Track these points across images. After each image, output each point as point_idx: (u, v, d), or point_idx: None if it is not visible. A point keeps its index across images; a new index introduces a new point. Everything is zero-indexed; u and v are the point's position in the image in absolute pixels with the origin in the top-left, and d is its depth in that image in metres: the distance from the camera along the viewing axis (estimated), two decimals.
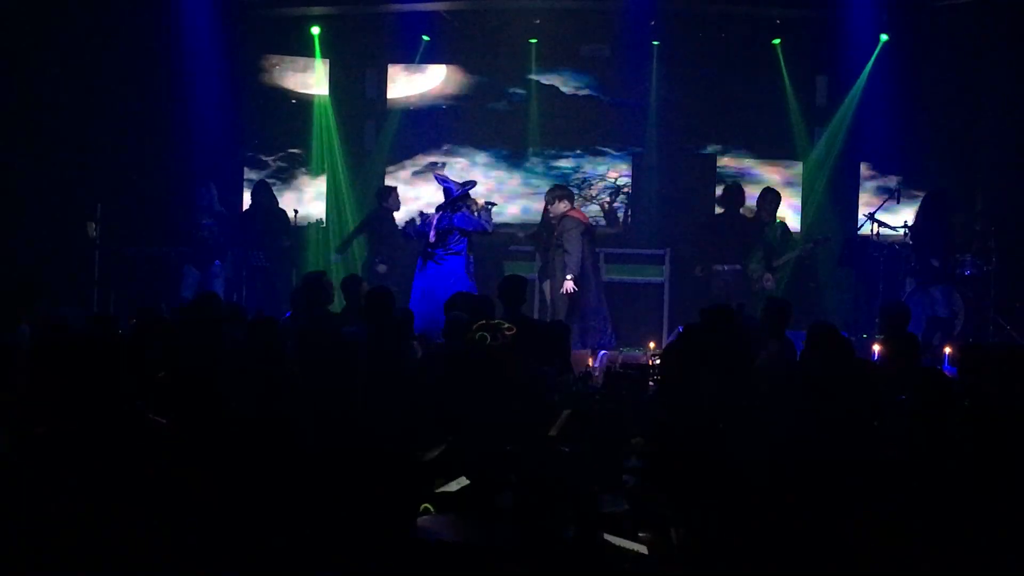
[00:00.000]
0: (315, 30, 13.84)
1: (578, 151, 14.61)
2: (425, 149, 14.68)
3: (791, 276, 12.10)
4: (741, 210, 12.61)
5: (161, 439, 4.43)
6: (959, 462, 4.08)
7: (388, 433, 4.58)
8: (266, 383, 5.30)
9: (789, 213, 13.92)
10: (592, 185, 14.58)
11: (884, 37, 13.21)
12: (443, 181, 11.00)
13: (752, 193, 12.93)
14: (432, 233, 10.70)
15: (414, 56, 14.43)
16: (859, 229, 12.91)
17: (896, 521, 3.78)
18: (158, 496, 3.94)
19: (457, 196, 10.76)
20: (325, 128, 14.21)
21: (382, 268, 12.30)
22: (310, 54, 14.27)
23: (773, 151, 14.33)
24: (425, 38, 14.19)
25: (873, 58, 13.23)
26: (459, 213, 10.71)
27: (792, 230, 13.27)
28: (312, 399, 4.83)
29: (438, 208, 10.88)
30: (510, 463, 4.81)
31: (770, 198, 12.40)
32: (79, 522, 3.81)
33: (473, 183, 11.16)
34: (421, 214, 11.19)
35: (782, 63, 13.83)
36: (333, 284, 9.01)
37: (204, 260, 12.12)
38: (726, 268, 11.98)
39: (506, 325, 6.88)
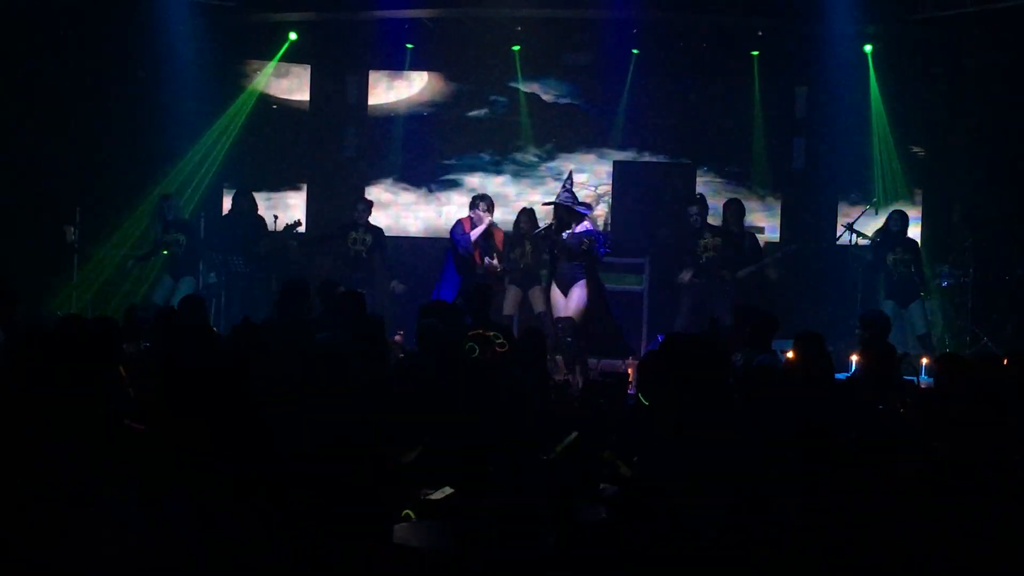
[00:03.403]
0: (292, 35, 13.79)
1: (558, 159, 14.62)
2: (406, 156, 14.67)
3: (765, 286, 12.07)
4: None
5: (138, 444, 4.41)
6: (936, 469, 4.10)
7: (364, 438, 4.57)
8: (248, 388, 5.28)
9: (766, 224, 14.01)
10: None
11: (868, 48, 13.28)
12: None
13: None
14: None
15: (396, 63, 14.44)
16: (838, 239, 12.97)
17: (880, 529, 3.79)
18: (135, 501, 3.92)
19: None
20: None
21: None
22: (292, 59, 14.26)
23: (750, 161, 14.39)
24: (409, 46, 14.19)
25: (872, 69, 13.30)
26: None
27: (766, 240, 13.33)
28: (288, 404, 4.81)
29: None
30: (490, 471, 4.81)
31: (734, 208, 12.40)
32: (55, 525, 3.79)
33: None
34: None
35: (756, 75, 13.90)
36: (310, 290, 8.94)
37: (178, 272, 12.09)
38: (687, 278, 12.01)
39: (499, 341, 6.87)
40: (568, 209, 10.61)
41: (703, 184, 14.21)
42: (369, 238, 12.48)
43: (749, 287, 11.88)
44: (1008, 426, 4.23)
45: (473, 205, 11.59)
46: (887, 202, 13.24)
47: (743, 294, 11.63)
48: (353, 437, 4.49)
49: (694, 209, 12.14)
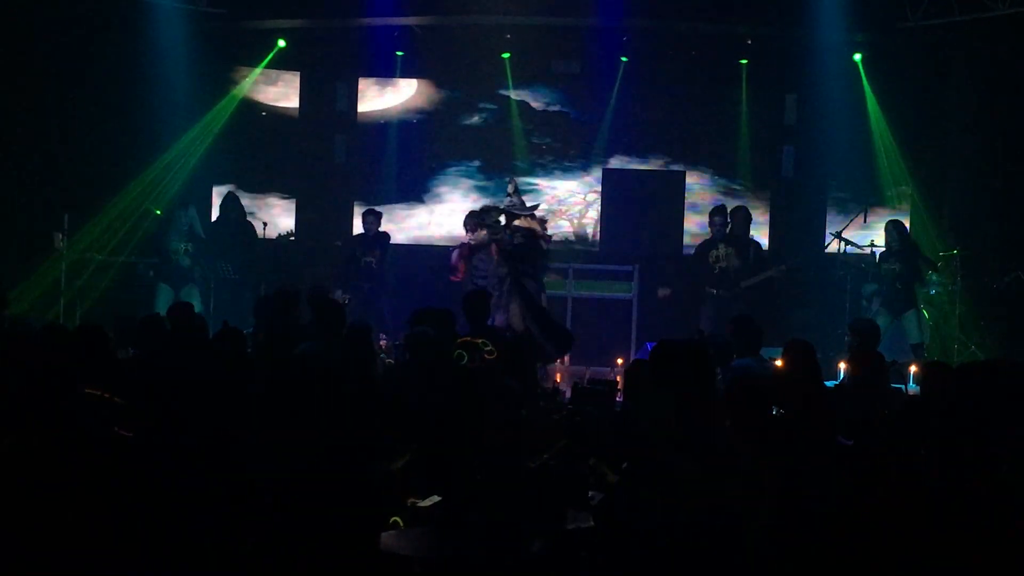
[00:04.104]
0: (280, 42, 13.80)
1: (548, 166, 14.64)
2: (396, 163, 14.67)
3: (759, 296, 12.05)
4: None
5: (126, 451, 4.39)
6: (923, 476, 4.11)
7: (352, 446, 4.56)
8: (232, 395, 5.27)
9: (756, 231, 14.01)
10: (561, 201, 14.61)
11: (858, 57, 13.33)
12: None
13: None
14: None
15: (385, 70, 14.45)
16: (826, 247, 12.97)
17: (866, 535, 3.79)
18: (121, 508, 3.91)
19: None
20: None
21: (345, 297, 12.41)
22: (281, 66, 14.27)
23: (740, 169, 14.42)
24: (399, 53, 14.21)
25: (864, 77, 13.35)
26: None
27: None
28: (274, 411, 4.81)
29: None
30: (479, 478, 4.81)
31: (741, 216, 12.38)
32: (39, 532, 3.78)
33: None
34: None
35: (744, 83, 13.95)
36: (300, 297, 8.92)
37: (178, 281, 12.07)
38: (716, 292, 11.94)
39: (488, 348, 6.87)
40: (508, 213, 10.82)
41: (691, 191, 14.26)
42: (379, 251, 12.49)
43: (755, 296, 11.85)
44: (993, 433, 4.24)
45: (464, 225, 11.89)
46: (898, 204, 13.35)
47: (748, 303, 11.61)
48: (340, 445, 4.49)
49: (718, 219, 12.11)
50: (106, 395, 5.02)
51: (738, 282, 11.84)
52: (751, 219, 12.49)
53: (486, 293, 9.50)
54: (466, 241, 11.63)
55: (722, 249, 11.93)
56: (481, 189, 14.52)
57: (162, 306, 11.65)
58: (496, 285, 10.75)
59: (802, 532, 3.77)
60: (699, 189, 14.42)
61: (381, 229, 12.70)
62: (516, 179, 11.70)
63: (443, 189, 14.65)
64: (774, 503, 3.85)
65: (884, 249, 12.01)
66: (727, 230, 12.09)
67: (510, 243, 10.72)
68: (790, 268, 12.31)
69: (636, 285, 13.00)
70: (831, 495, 3.99)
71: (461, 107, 14.73)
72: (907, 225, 12.87)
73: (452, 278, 11.63)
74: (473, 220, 11.73)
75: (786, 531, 3.77)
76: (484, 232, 11.45)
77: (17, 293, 11.40)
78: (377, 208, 13.10)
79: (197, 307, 11.48)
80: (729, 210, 12.58)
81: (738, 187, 14.38)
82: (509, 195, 11.00)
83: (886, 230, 12.08)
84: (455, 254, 11.69)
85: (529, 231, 10.88)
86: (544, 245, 10.98)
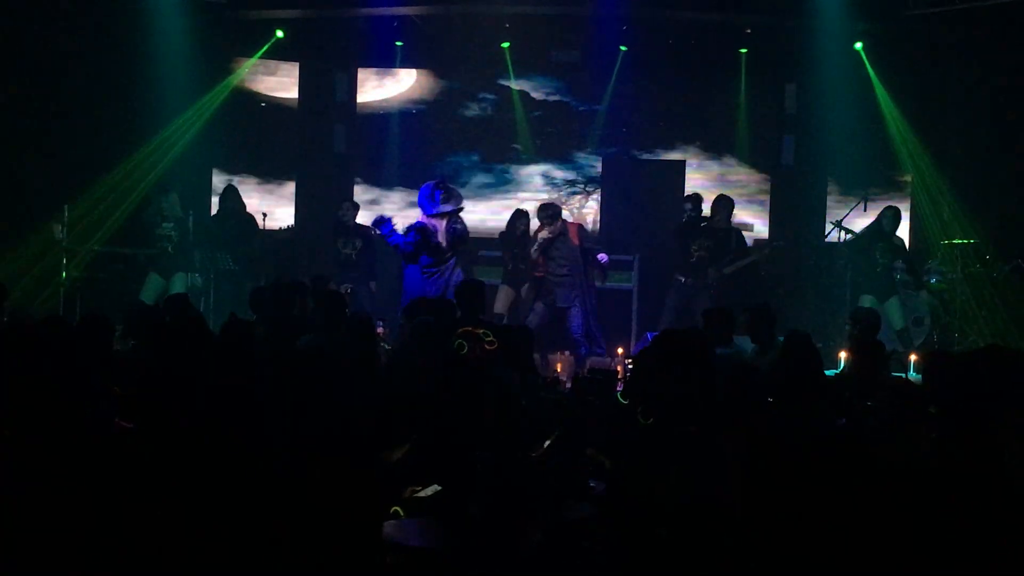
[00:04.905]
0: (279, 33, 13.78)
1: (548, 156, 14.63)
2: (395, 153, 14.65)
3: (755, 283, 12.04)
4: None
5: (128, 444, 4.39)
6: (923, 465, 4.11)
7: (354, 437, 4.56)
8: (236, 387, 5.27)
9: (756, 220, 14.02)
10: (561, 190, 14.61)
11: (859, 45, 13.32)
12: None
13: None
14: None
15: (384, 60, 14.45)
16: (826, 236, 12.98)
17: (866, 524, 3.79)
18: (123, 501, 3.91)
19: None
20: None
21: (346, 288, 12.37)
22: (280, 57, 14.25)
23: (740, 158, 14.41)
24: (398, 43, 14.19)
25: (868, 65, 13.34)
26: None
27: (755, 237, 13.34)
28: (275, 402, 4.81)
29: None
30: (478, 469, 4.81)
31: (723, 204, 12.34)
32: (41, 527, 3.78)
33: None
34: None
35: (743, 72, 13.94)
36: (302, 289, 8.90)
37: (167, 268, 12.03)
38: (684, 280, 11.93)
39: (489, 338, 6.87)
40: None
41: (691, 181, 14.25)
42: (359, 241, 12.43)
43: (733, 283, 11.85)
44: (995, 422, 4.24)
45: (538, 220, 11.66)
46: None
47: (727, 291, 11.60)
48: (341, 435, 4.49)
49: (688, 206, 12.11)
50: (108, 385, 5.02)
51: (709, 272, 11.82)
52: (733, 207, 12.45)
53: (482, 284, 9.46)
54: (545, 235, 11.44)
55: (703, 240, 11.92)
56: (481, 179, 14.51)
57: (149, 295, 11.62)
58: (575, 270, 11.22)
59: (799, 521, 3.77)
60: (698, 178, 14.41)
61: (364, 220, 12.63)
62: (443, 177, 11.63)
63: (443, 178, 14.61)
64: (770, 493, 3.85)
65: (872, 232, 12.07)
66: (700, 216, 12.07)
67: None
68: (773, 250, 12.32)
69: (636, 275, 12.99)
70: (828, 483, 3.98)
71: (461, 97, 14.72)
72: (906, 213, 12.90)
73: (536, 274, 11.53)
74: (546, 212, 11.55)
75: (783, 520, 3.77)
76: (560, 222, 11.45)
77: (17, 284, 11.42)
78: (358, 196, 13.10)
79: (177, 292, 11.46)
80: (712, 200, 12.52)
81: (736, 175, 14.38)
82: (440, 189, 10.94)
83: (883, 214, 12.13)
84: (535, 251, 11.47)
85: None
86: (434, 241, 10.71)
